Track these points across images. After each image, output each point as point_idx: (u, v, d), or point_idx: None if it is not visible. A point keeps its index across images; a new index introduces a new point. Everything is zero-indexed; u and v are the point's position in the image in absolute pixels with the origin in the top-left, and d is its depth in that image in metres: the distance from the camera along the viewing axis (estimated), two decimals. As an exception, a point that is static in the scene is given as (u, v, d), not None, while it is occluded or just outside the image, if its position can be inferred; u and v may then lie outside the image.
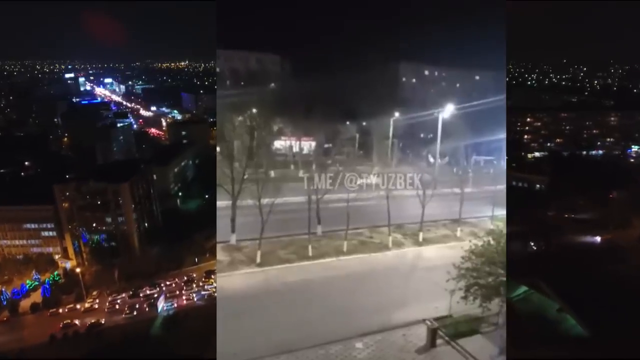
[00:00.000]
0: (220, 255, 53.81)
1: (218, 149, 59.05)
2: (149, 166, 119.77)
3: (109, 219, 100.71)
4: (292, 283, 49.78)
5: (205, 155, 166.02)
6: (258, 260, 52.64)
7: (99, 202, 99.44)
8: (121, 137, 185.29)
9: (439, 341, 40.36)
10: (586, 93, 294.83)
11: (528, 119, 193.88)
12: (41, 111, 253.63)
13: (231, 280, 49.04)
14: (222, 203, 58.79)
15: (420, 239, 64.03)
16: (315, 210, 58.90)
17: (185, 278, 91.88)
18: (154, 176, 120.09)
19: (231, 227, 55.86)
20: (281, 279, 50.37)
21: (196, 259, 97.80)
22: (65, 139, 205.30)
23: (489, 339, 41.84)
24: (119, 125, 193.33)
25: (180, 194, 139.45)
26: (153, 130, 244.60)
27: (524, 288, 70.27)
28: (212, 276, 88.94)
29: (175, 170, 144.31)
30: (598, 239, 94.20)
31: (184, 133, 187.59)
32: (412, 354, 38.62)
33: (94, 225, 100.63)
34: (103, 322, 79.27)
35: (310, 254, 55.71)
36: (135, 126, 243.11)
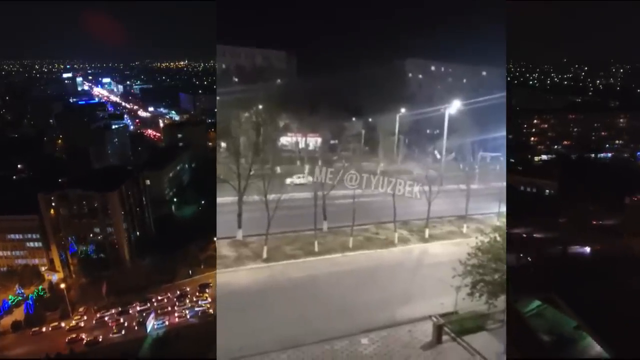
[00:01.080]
0: (227, 250, 54.06)
1: (224, 144, 59.20)
2: (142, 171, 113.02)
3: (97, 230, 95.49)
4: (298, 279, 49.85)
5: (203, 158, 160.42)
6: (264, 255, 52.86)
7: (86, 212, 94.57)
8: (116, 140, 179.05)
9: (444, 337, 40.38)
10: (590, 93, 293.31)
11: (535, 121, 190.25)
12: (36, 112, 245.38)
13: (237, 275, 49.28)
14: (227, 199, 59.01)
15: (426, 235, 63.99)
16: (321, 206, 59.02)
17: (178, 292, 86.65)
18: (148, 181, 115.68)
19: (238, 223, 56.09)
20: (287, 275, 50.50)
21: (190, 271, 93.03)
22: (60, 141, 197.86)
23: (495, 336, 41.83)
24: (113, 127, 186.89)
25: (175, 200, 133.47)
26: (150, 131, 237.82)
27: (537, 302, 66.08)
28: (207, 290, 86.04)
29: (171, 174, 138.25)
30: (613, 248, 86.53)
31: (180, 135, 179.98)
32: (418, 350, 38.66)
33: (82, 236, 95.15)
34: (85, 340, 73.32)
35: (316, 249, 55.83)
36: (131, 127, 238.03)
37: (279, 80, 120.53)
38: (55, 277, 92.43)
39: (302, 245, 57.02)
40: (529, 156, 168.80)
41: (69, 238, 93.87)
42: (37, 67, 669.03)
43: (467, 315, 43.65)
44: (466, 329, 42.05)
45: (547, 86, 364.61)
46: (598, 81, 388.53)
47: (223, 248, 54.48)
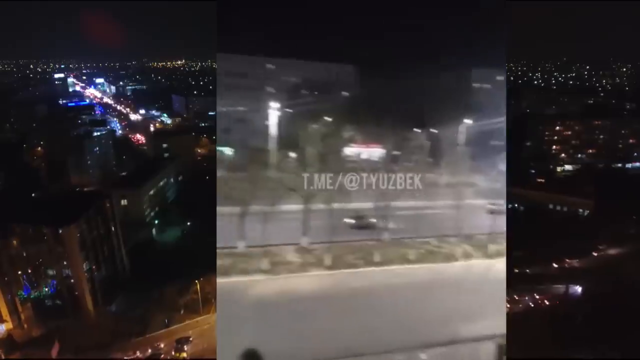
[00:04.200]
0: (292, 256, 56.78)
1: (293, 154, 61.86)
2: (112, 193, 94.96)
3: (51, 272, 79.48)
4: (359, 288, 50.61)
5: (193, 171, 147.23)
6: (327, 263, 54.82)
7: (37, 251, 78.16)
8: (97, 149, 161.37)
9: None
10: (602, 94, 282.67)
11: (557, 127, 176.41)
12: (20, 115, 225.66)
13: (301, 281, 51.55)
14: (292, 207, 61.43)
15: (491, 250, 62.60)
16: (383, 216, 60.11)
17: (150, 351, 70.26)
18: (124, 201, 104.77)
19: (303, 230, 58.68)
20: (348, 284, 51.84)
21: (166, 320, 77.15)
22: (39, 148, 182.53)
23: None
24: (95, 134, 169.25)
25: (156, 223, 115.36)
26: (138, 136, 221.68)
27: None
28: (186, 347, 70.64)
29: (152, 192, 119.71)
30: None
31: (165, 145, 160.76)
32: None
33: (33, 279, 79.70)
34: None
35: (377, 260, 56.85)
36: (120, 131, 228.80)
37: (344, 93, 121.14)
38: (2, 328, 76.47)
39: (363, 254, 58.19)
40: (551, 166, 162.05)
41: (17, 284, 79.15)
42: (31, 66, 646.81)
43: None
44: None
45: (552, 86, 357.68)
46: (604, 81, 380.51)
47: (289, 254, 57.21)
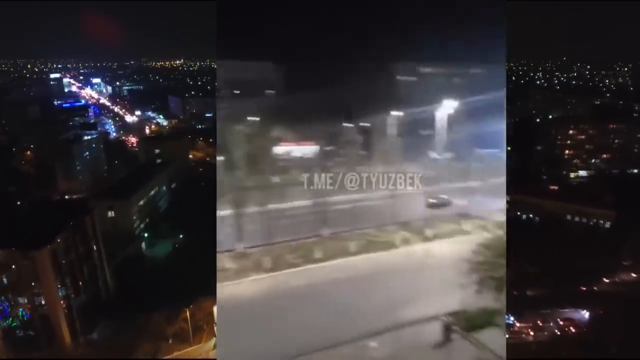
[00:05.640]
0: (228, 263, 53.71)
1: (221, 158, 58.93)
2: (102, 202, 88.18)
3: (22, 300, 71.33)
4: (301, 286, 49.49)
5: (188, 178, 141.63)
6: (266, 266, 52.38)
7: (5, 277, 70.06)
8: (87, 154, 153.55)
9: (454, 336, 39.80)
10: (608, 95, 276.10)
11: (570, 131, 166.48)
12: (11, 116, 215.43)
13: (239, 287, 48.74)
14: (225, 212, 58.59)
15: (428, 235, 63.54)
16: (320, 212, 58.91)
17: None
18: (112, 212, 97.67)
19: (237, 236, 55.77)
20: (290, 283, 50.19)
21: (153, 350, 69.73)
22: (28, 152, 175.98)
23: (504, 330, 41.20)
24: (86, 137, 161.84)
25: (146, 236, 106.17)
26: (132, 139, 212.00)
27: None
28: None
29: (141, 203, 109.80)
30: None
31: (157, 151, 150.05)
32: (428, 349, 38.13)
33: (4, 308, 71.59)
34: None
35: (317, 256, 55.40)
36: (114, 134, 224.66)
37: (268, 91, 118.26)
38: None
39: (303, 252, 56.76)
40: (564, 172, 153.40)
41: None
42: (29, 66, 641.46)
43: (475, 313, 42.98)
44: (475, 325, 41.40)
45: (555, 86, 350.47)
46: (607, 80, 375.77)
47: (225, 261, 54.05)
